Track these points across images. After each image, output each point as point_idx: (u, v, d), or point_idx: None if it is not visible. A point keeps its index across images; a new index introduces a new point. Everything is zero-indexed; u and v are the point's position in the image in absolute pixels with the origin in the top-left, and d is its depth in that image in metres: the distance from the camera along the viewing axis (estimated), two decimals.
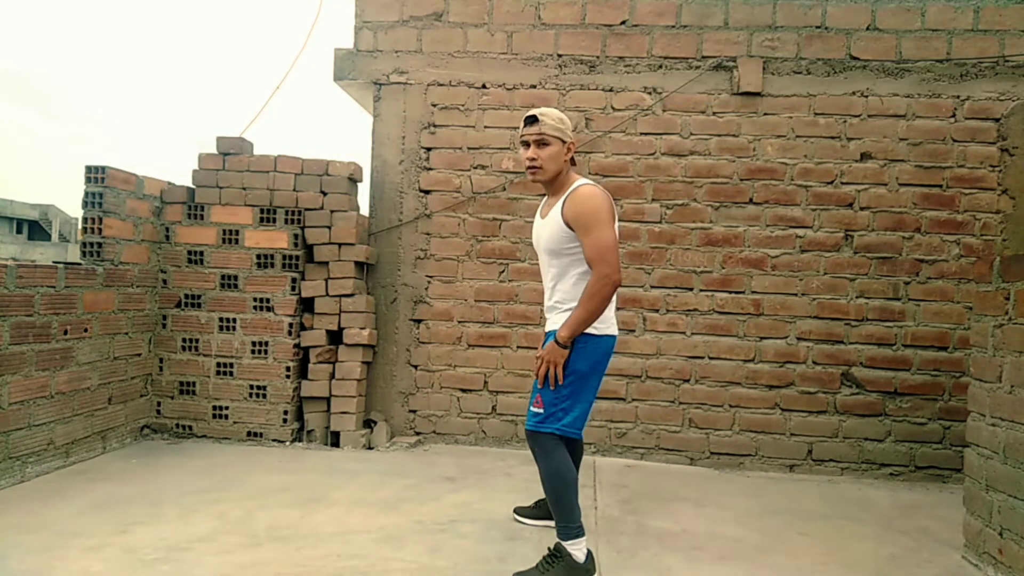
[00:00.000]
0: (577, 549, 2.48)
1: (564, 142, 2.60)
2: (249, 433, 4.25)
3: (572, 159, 2.69)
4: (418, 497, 3.35)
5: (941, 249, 4.19)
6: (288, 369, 4.24)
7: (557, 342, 2.48)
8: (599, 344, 2.57)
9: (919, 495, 3.85)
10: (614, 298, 2.62)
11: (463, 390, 4.42)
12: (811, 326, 4.23)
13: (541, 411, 2.53)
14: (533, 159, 2.58)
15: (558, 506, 2.52)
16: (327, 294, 4.28)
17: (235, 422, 4.26)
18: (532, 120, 2.58)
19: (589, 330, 2.52)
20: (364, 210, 4.54)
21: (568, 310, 2.56)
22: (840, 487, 3.93)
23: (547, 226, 2.63)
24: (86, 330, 3.72)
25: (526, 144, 2.61)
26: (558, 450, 2.53)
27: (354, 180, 4.42)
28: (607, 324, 2.60)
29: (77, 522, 2.84)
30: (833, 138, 4.24)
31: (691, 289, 4.30)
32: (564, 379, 2.51)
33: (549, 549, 2.52)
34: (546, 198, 2.78)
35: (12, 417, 3.27)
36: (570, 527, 2.50)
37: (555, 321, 2.63)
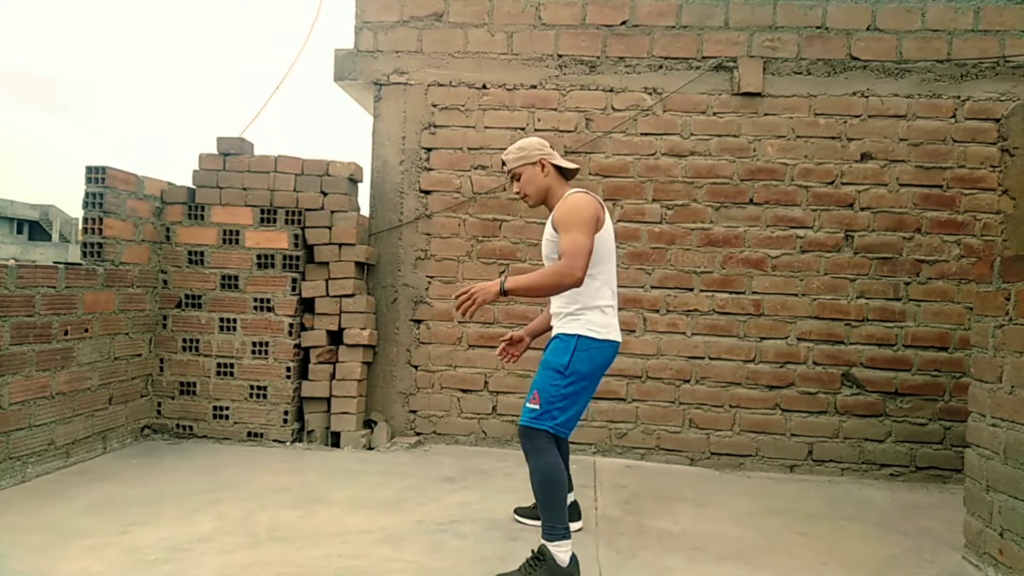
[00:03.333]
0: (561, 551, 2.45)
1: (532, 164, 2.74)
2: (249, 433, 4.25)
3: (563, 171, 2.80)
4: (418, 497, 3.35)
5: (941, 249, 4.19)
6: (288, 369, 4.24)
7: (502, 287, 2.51)
8: (601, 350, 2.61)
9: (919, 495, 3.85)
10: (616, 303, 2.73)
11: (463, 390, 4.42)
12: (811, 326, 4.23)
13: (537, 407, 2.54)
14: (517, 192, 2.81)
15: (545, 506, 2.52)
16: (327, 294, 4.28)
17: (235, 422, 4.26)
18: (503, 163, 2.81)
19: (591, 334, 2.59)
20: (364, 210, 4.54)
21: (567, 315, 2.64)
22: (840, 487, 3.93)
23: (545, 235, 2.79)
24: (86, 330, 3.72)
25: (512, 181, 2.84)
26: (551, 449, 2.55)
27: (354, 180, 4.42)
28: (608, 329, 2.64)
29: (77, 522, 2.84)
30: (833, 138, 4.25)
31: (691, 289, 4.30)
32: (566, 379, 2.54)
33: (533, 551, 2.49)
34: None
35: (13, 417, 3.27)
36: (556, 528, 2.48)
37: (558, 327, 2.69)
